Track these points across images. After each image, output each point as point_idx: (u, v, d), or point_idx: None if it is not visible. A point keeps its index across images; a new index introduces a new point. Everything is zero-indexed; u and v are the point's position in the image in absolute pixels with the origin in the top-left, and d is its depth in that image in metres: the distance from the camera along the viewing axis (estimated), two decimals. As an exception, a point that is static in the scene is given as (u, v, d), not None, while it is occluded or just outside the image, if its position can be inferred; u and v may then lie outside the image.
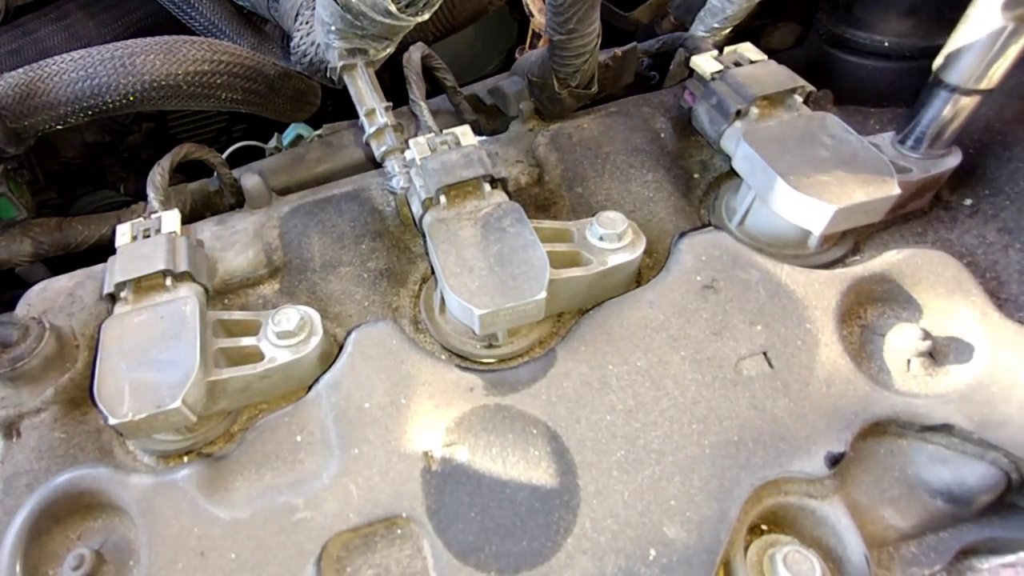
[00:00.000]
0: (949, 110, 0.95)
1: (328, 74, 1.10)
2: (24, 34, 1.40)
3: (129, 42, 1.08)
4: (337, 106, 1.75)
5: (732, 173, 1.08)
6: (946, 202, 1.06)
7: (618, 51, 1.24)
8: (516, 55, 1.65)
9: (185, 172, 1.38)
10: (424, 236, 0.94)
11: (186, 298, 0.90)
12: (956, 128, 0.97)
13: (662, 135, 1.18)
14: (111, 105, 1.08)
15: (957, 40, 0.90)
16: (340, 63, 1.05)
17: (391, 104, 1.08)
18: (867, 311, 0.96)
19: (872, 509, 0.82)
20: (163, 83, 1.08)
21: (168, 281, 0.92)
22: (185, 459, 0.89)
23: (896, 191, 0.88)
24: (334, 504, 0.80)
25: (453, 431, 0.84)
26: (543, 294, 0.82)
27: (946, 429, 0.83)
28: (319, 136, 1.43)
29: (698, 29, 1.28)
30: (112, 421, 0.77)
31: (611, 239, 0.92)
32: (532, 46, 1.59)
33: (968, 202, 1.05)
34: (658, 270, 0.98)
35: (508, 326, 0.88)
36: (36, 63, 1.07)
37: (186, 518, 0.80)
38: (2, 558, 0.79)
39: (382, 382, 0.88)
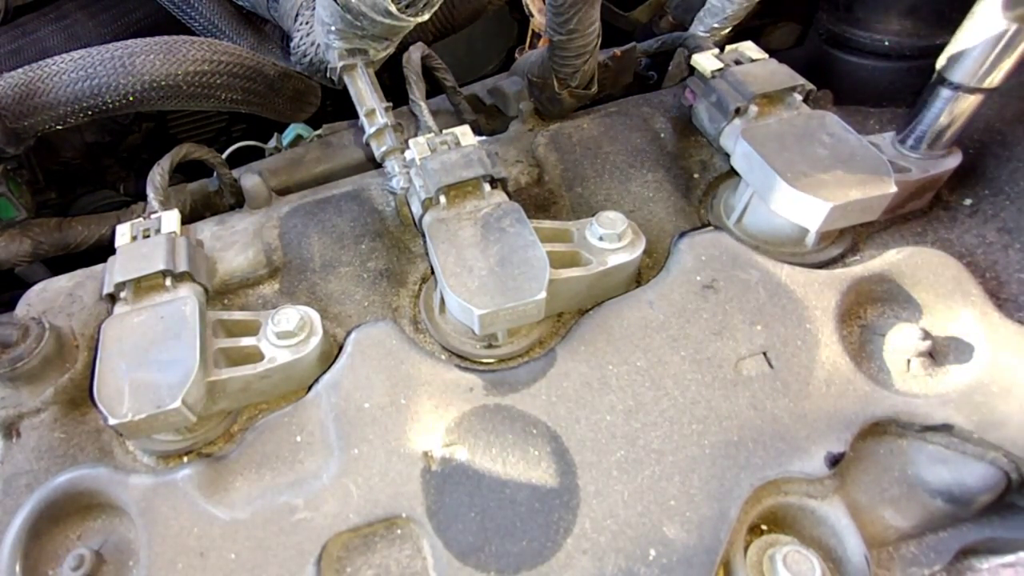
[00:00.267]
0: (952, 109, 0.95)
1: (328, 74, 1.10)
2: (24, 34, 1.40)
3: (129, 42, 1.08)
4: (337, 106, 1.75)
5: (732, 173, 1.08)
6: (946, 202, 1.06)
7: (617, 51, 1.24)
8: (516, 55, 1.66)
9: (185, 172, 1.38)
10: (424, 236, 0.94)
11: (186, 298, 0.90)
12: (958, 127, 0.97)
13: (662, 135, 1.18)
14: (111, 105, 1.08)
15: (961, 38, 0.90)
16: (340, 63, 1.05)
17: (391, 104, 1.08)
18: (867, 311, 0.96)
19: (872, 509, 0.82)
20: (163, 83, 1.07)
21: (168, 281, 0.92)
22: (185, 459, 0.89)
23: (893, 189, 0.88)
24: (334, 504, 0.80)
25: (453, 431, 0.84)
26: (543, 294, 0.82)
27: (946, 429, 0.83)
28: (319, 136, 1.43)
29: (697, 29, 1.28)
30: (112, 421, 0.77)
31: (611, 239, 0.92)
32: (532, 46, 1.59)
33: (968, 202, 1.05)
34: (658, 270, 0.98)
35: (508, 326, 0.88)
36: (36, 63, 1.07)
37: (186, 518, 0.80)
38: (2, 558, 0.79)
39: (382, 382, 0.88)
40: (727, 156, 1.06)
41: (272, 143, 1.51)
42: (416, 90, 1.16)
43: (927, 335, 0.87)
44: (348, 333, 0.93)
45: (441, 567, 0.76)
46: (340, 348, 0.93)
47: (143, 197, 1.14)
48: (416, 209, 0.97)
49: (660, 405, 0.85)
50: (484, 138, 1.23)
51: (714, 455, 0.81)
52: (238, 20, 1.40)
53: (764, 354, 0.88)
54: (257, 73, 1.18)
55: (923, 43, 1.16)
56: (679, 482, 0.80)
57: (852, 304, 0.94)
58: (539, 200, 1.12)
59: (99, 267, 1.06)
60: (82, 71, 1.05)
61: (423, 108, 1.14)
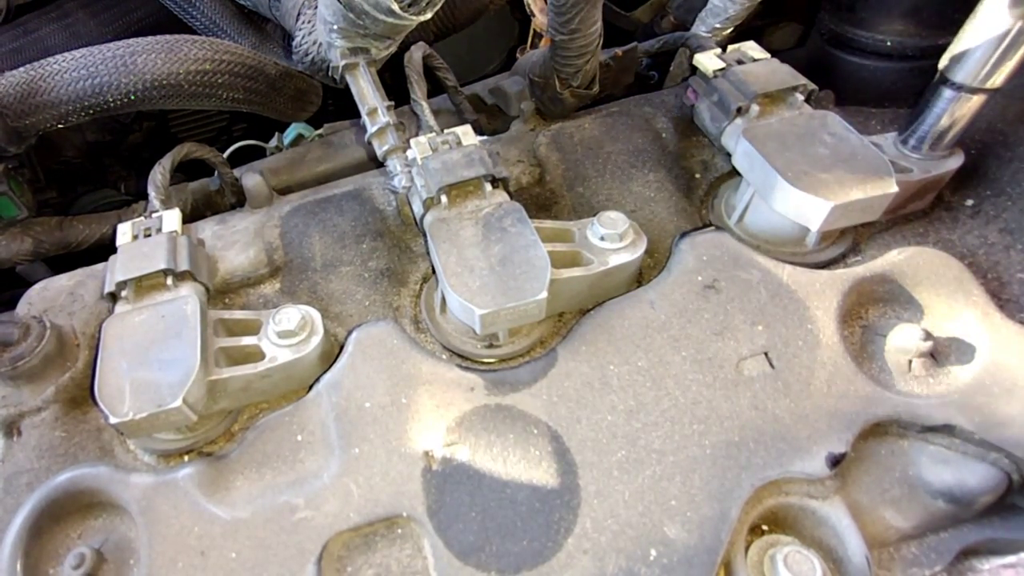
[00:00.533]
0: (954, 109, 0.95)
1: (330, 73, 1.10)
2: (25, 33, 1.40)
3: (130, 41, 1.08)
4: (338, 105, 1.75)
5: (733, 173, 1.08)
6: (948, 202, 1.06)
7: (619, 51, 1.24)
8: (517, 55, 1.66)
9: (186, 171, 1.38)
10: (425, 236, 0.94)
11: (187, 297, 0.90)
12: (960, 128, 0.97)
13: (663, 135, 1.18)
14: (112, 104, 1.07)
15: (964, 38, 0.90)
16: (342, 62, 1.05)
17: (393, 103, 1.08)
18: (868, 311, 0.96)
19: (873, 509, 0.82)
20: (164, 82, 1.07)
21: (169, 280, 0.92)
22: (186, 458, 0.89)
23: (894, 189, 0.88)
24: (335, 503, 0.80)
25: (454, 431, 0.84)
26: (544, 294, 0.82)
27: (947, 430, 0.83)
28: (320, 135, 1.43)
29: (699, 29, 1.28)
30: (113, 420, 0.77)
31: (612, 239, 0.92)
32: (533, 46, 1.59)
33: (970, 203, 1.05)
34: (659, 270, 0.98)
35: (509, 326, 0.88)
36: (37, 62, 1.07)
37: (186, 517, 0.80)
38: (3, 557, 0.79)
39: (383, 382, 0.88)
40: (728, 156, 1.06)
41: (273, 142, 1.51)
42: (418, 89, 1.16)
43: (928, 336, 0.87)
44: (349, 332, 0.93)
45: (442, 567, 0.76)
46: (341, 347, 0.93)
47: (144, 196, 1.14)
48: (417, 208, 0.97)
49: (661, 405, 0.85)
50: (485, 138, 1.23)
51: (715, 455, 0.81)
52: (240, 19, 1.40)
53: (765, 354, 0.88)
54: (259, 72, 1.18)
55: (925, 43, 1.16)
56: (680, 482, 0.80)
57: (853, 304, 0.94)
58: (540, 200, 1.12)
59: (100, 266, 1.06)
60: (83, 70, 1.05)
61: (424, 107, 1.14)
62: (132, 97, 1.07)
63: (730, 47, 1.14)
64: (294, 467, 0.84)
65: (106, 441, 0.91)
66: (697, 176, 1.15)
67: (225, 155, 1.29)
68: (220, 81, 1.12)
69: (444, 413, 0.85)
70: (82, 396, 0.95)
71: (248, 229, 1.09)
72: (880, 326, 0.94)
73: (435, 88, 1.26)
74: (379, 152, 1.06)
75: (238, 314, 0.94)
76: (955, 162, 1.00)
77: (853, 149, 0.94)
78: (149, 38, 1.09)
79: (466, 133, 1.02)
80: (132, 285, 0.92)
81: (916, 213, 1.05)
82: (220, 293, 1.03)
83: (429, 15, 0.94)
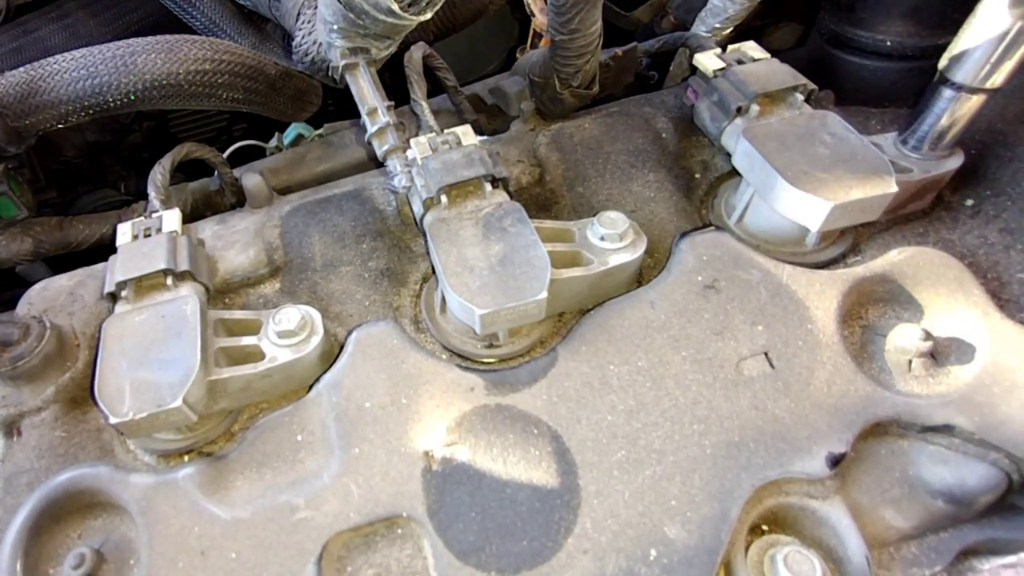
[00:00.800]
0: (953, 109, 0.95)
1: (330, 73, 1.10)
2: (25, 33, 1.40)
3: (130, 41, 1.08)
4: (338, 105, 1.75)
5: (733, 173, 1.08)
6: (948, 202, 1.06)
7: (619, 51, 1.24)
8: (517, 55, 1.66)
9: (186, 171, 1.38)
10: (425, 236, 0.94)
11: (187, 297, 0.90)
12: (960, 128, 0.97)
13: (663, 135, 1.18)
14: (112, 104, 1.07)
15: (964, 38, 0.90)
16: (342, 62, 1.05)
17: (393, 103, 1.08)
18: (868, 311, 0.96)
19: (873, 510, 0.82)
20: (164, 82, 1.07)
21: (169, 280, 0.92)
22: (186, 458, 0.88)
23: (894, 189, 0.88)
24: (335, 503, 0.80)
25: (454, 431, 0.84)
26: (544, 294, 0.82)
27: (947, 430, 0.83)
28: (320, 135, 1.43)
29: (699, 29, 1.28)
30: (113, 420, 0.77)
31: (612, 239, 0.92)
32: (533, 46, 1.59)
33: (970, 203, 1.05)
34: (659, 270, 0.98)
35: (509, 326, 0.88)
36: (37, 62, 1.07)
37: (187, 517, 0.80)
38: (3, 557, 0.79)
39: (383, 382, 0.88)
40: (728, 156, 1.06)
41: (273, 142, 1.51)
42: (417, 89, 1.16)
43: (928, 336, 0.87)
44: (349, 332, 0.93)
45: (442, 566, 0.76)
46: (341, 347, 0.93)
47: (144, 196, 1.14)
48: (417, 208, 0.97)
49: (661, 405, 0.85)
50: (485, 138, 1.23)
51: (715, 455, 0.81)
52: (239, 19, 1.40)
53: (765, 354, 0.88)
54: (258, 72, 1.18)
55: (925, 43, 1.16)
56: (680, 482, 0.80)
57: (853, 304, 0.94)
58: (540, 200, 1.12)
59: (100, 266, 1.06)
60: (83, 70, 1.05)
61: (424, 107, 1.14)
62: (132, 97, 1.07)
63: (730, 47, 1.14)
64: (294, 467, 0.84)
65: (106, 441, 0.91)
66: (697, 176, 1.15)
67: (225, 155, 1.29)
68: (220, 81, 1.12)
69: (444, 413, 0.85)
70: (82, 396, 0.95)
71: (248, 229, 1.09)
72: (880, 326, 0.94)
73: (435, 88, 1.26)
74: (379, 152, 1.06)
75: (238, 314, 0.94)
76: (955, 162, 1.00)
77: (853, 149, 0.94)
78: (149, 38, 1.09)
79: (466, 133, 1.02)
80: (132, 285, 0.92)
81: (916, 213, 1.05)
82: (220, 293, 1.03)
83: (429, 15, 0.94)
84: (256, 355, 0.88)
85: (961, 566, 0.84)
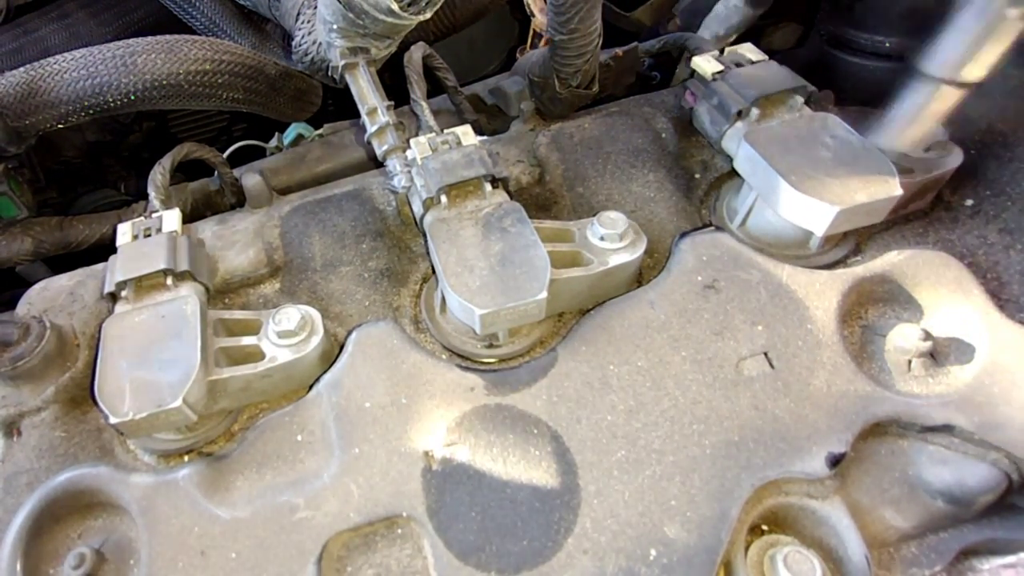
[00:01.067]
0: (928, 102, 0.93)
1: (330, 73, 1.10)
2: (25, 33, 1.40)
3: (130, 41, 1.08)
4: (338, 105, 1.75)
5: (733, 173, 1.08)
6: (947, 202, 1.06)
7: (619, 51, 1.24)
8: (517, 55, 1.65)
9: (186, 171, 1.37)
10: (425, 236, 0.94)
11: (187, 297, 0.90)
12: (935, 123, 0.96)
13: (663, 135, 1.18)
14: (112, 104, 1.07)
15: (943, 32, 0.88)
16: (342, 62, 1.05)
17: (392, 103, 1.08)
18: (868, 311, 0.96)
19: (873, 509, 0.82)
20: (164, 82, 1.07)
21: (169, 280, 0.92)
22: (186, 458, 0.89)
23: (898, 192, 0.88)
24: (335, 503, 0.80)
25: (454, 431, 0.84)
26: (544, 294, 0.82)
27: (947, 430, 0.83)
28: (320, 135, 1.43)
29: (703, 35, 1.28)
30: (113, 420, 0.77)
31: (612, 239, 0.92)
32: (533, 46, 1.59)
33: (969, 203, 1.05)
34: (659, 270, 0.98)
35: (509, 326, 0.88)
36: (37, 62, 1.07)
37: (187, 517, 0.80)
38: (3, 557, 0.79)
39: (383, 382, 0.88)
40: (729, 157, 1.06)
41: (273, 142, 1.51)
42: (417, 89, 1.16)
43: (928, 336, 0.87)
44: (349, 332, 0.93)
45: (442, 566, 0.76)
46: (341, 347, 0.93)
47: (144, 196, 1.14)
48: (417, 208, 0.97)
49: (661, 405, 0.85)
50: (485, 138, 1.23)
51: (715, 455, 0.81)
52: (239, 19, 1.40)
53: (765, 354, 0.88)
54: (258, 72, 1.18)
55: (924, 44, 1.16)
56: (680, 482, 0.80)
57: (853, 304, 0.94)
58: (540, 200, 1.12)
59: (100, 266, 1.06)
60: (84, 70, 1.05)
61: (424, 108, 1.14)
62: (132, 97, 1.07)
63: (727, 49, 1.14)
64: (294, 467, 0.84)
65: (106, 441, 0.91)
66: (697, 176, 1.15)
67: (225, 155, 1.29)
68: (220, 81, 1.12)
69: (444, 413, 0.85)
70: (82, 396, 0.95)
71: (248, 229, 1.09)
72: (880, 326, 0.94)
73: (435, 88, 1.26)
74: (379, 152, 1.06)
75: (238, 314, 0.94)
76: (954, 161, 1.00)
77: (855, 151, 0.94)
78: (149, 38, 1.09)
79: (466, 133, 1.02)
80: (132, 285, 0.92)
81: (916, 213, 1.05)
82: (220, 293, 1.03)
83: (429, 15, 0.94)
84: (256, 355, 0.88)
85: (961, 566, 0.84)
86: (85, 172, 1.62)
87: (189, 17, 1.37)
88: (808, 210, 0.90)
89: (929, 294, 0.93)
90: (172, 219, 1.00)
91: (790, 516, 0.81)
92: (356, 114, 1.10)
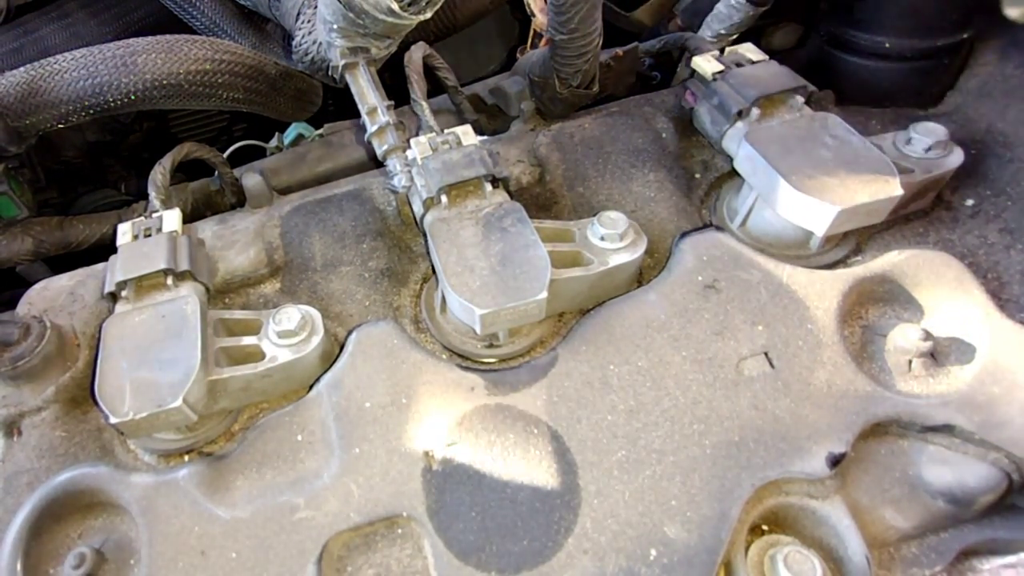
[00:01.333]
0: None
1: (330, 73, 1.10)
2: (25, 33, 1.40)
3: (130, 41, 1.08)
4: (338, 105, 1.75)
5: (733, 173, 1.08)
6: (948, 202, 1.06)
7: (619, 51, 1.24)
8: (517, 55, 1.65)
9: (186, 171, 1.38)
10: (425, 236, 0.94)
11: (187, 297, 0.90)
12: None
13: (663, 135, 1.18)
14: (112, 104, 1.07)
15: None
16: (342, 61, 1.05)
17: (393, 103, 1.08)
18: (868, 311, 0.96)
19: (873, 509, 0.82)
20: (165, 82, 1.07)
21: (169, 280, 0.92)
22: (186, 458, 0.89)
23: (899, 192, 0.88)
24: (335, 503, 0.80)
25: (454, 431, 0.84)
26: (544, 294, 0.82)
27: (947, 430, 0.83)
28: (320, 135, 1.43)
29: (704, 34, 1.28)
30: (113, 420, 0.77)
31: (612, 239, 0.92)
32: (533, 46, 1.59)
33: (970, 203, 1.05)
34: (659, 270, 0.98)
35: (509, 326, 0.88)
36: (37, 62, 1.07)
37: (187, 517, 0.80)
38: (3, 556, 0.79)
39: (383, 381, 0.88)
40: (729, 157, 1.06)
41: (273, 142, 1.51)
42: (417, 89, 1.16)
43: (928, 336, 0.87)
44: (349, 332, 0.93)
45: (442, 566, 0.76)
46: (341, 347, 0.93)
47: (144, 196, 1.14)
48: (417, 208, 0.97)
49: (661, 405, 0.85)
50: (485, 138, 1.23)
51: (715, 455, 0.81)
52: (240, 19, 1.40)
53: (765, 354, 0.88)
54: (259, 72, 1.18)
55: (924, 44, 1.16)
56: (680, 482, 0.80)
57: (854, 304, 0.94)
58: (540, 200, 1.12)
59: (100, 266, 1.06)
60: (84, 70, 1.05)
61: (424, 107, 1.14)
62: (132, 97, 1.07)
63: (727, 49, 1.14)
64: (294, 467, 0.84)
65: (106, 441, 0.91)
66: (697, 176, 1.15)
67: (225, 155, 1.29)
68: (220, 81, 1.12)
69: (444, 413, 0.85)
70: (82, 396, 0.95)
71: (248, 229, 1.09)
72: (880, 326, 0.94)
73: (435, 88, 1.26)
74: (379, 152, 1.06)
75: (238, 314, 0.94)
76: (955, 160, 1.00)
77: (856, 151, 0.94)
78: (149, 38, 1.09)
79: (466, 133, 1.02)
80: (132, 285, 0.92)
81: (916, 213, 1.05)
82: (220, 293, 1.03)
83: (429, 15, 0.94)
84: (256, 355, 0.88)
85: (961, 566, 0.84)
86: (85, 172, 1.62)
87: (189, 17, 1.37)
88: (808, 210, 0.90)
89: (929, 294, 0.93)
90: (172, 219, 1.00)
91: (790, 516, 0.81)
92: (356, 114, 1.10)
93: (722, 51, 1.14)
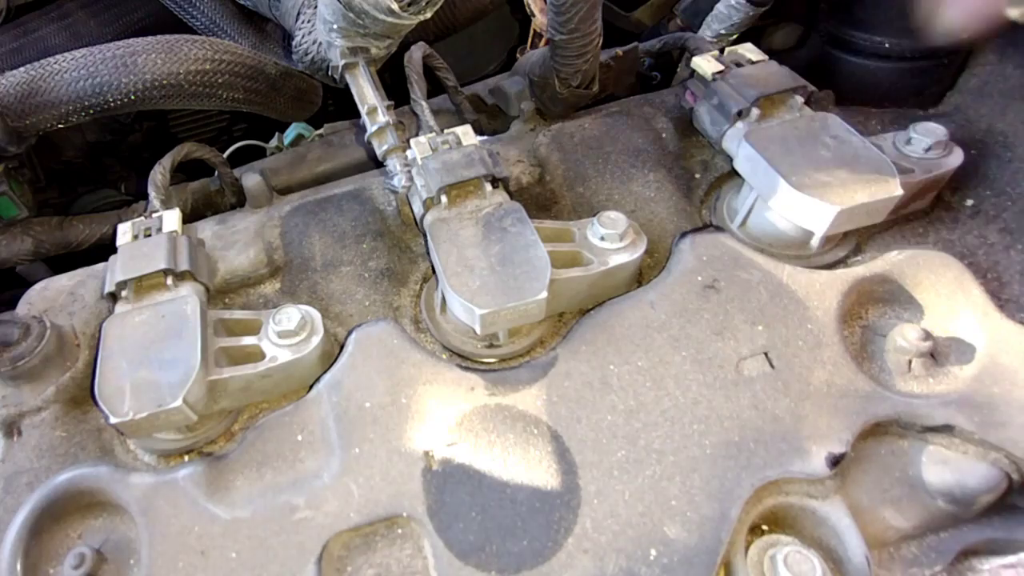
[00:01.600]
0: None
1: (330, 72, 1.10)
2: (25, 33, 1.40)
3: (130, 41, 1.08)
4: (338, 105, 1.75)
5: (733, 173, 1.08)
6: (947, 203, 1.06)
7: (619, 51, 1.24)
8: (517, 55, 1.65)
9: (186, 171, 1.38)
10: (425, 236, 0.94)
11: (187, 297, 0.90)
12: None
13: (663, 135, 1.17)
14: (112, 104, 1.08)
15: None
16: (342, 61, 1.05)
17: (392, 103, 1.08)
18: (868, 311, 0.96)
19: (873, 509, 0.82)
20: (165, 82, 1.07)
21: (169, 280, 0.92)
22: (186, 458, 0.89)
23: (899, 192, 0.88)
24: (335, 503, 0.80)
25: (454, 431, 0.84)
26: (544, 294, 0.82)
27: (947, 430, 0.83)
28: (320, 135, 1.43)
29: (704, 34, 1.28)
30: (113, 420, 0.77)
31: (612, 239, 0.92)
32: (533, 46, 1.59)
33: (969, 203, 1.05)
34: (659, 270, 0.98)
35: (509, 326, 0.88)
36: (37, 62, 1.07)
37: (187, 517, 0.80)
38: (3, 557, 0.79)
39: (383, 381, 0.88)
40: (729, 157, 1.06)
41: (273, 142, 1.51)
42: (417, 89, 1.16)
43: (928, 336, 0.87)
44: (349, 332, 0.93)
45: (442, 566, 0.76)
46: (341, 347, 0.93)
47: (144, 196, 1.14)
48: (417, 208, 0.97)
49: (661, 405, 0.85)
50: (485, 138, 1.23)
51: (715, 455, 0.81)
52: (240, 19, 1.40)
53: (765, 354, 0.88)
54: (259, 72, 1.18)
55: (923, 44, 1.16)
56: (680, 482, 0.80)
57: (853, 304, 0.94)
58: (540, 200, 1.12)
59: (100, 266, 1.06)
60: (84, 70, 1.05)
61: (424, 107, 1.14)
62: (132, 97, 1.07)
63: (727, 49, 1.14)
64: (294, 467, 0.84)
65: (106, 441, 0.91)
66: (697, 176, 1.15)
67: (225, 155, 1.29)
68: (220, 81, 1.12)
69: (444, 413, 0.85)
70: (82, 396, 0.94)
71: (248, 229, 1.09)
72: (880, 326, 0.94)
73: (435, 88, 1.26)
74: (379, 152, 1.06)
75: (238, 314, 0.94)
76: (955, 160, 1.00)
77: (856, 151, 0.94)
78: (149, 38, 1.09)
79: (466, 133, 1.02)
80: (132, 285, 0.92)
81: (916, 213, 1.05)
82: (220, 293, 1.03)
83: (429, 15, 0.94)
84: (256, 355, 0.88)
85: (961, 566, 0.84)
86: (85, 172, 1.62)
87: (189, 17, 1.37)
88: (808, 210, 0.90)
89: (929, 294, 0.93)
90: (172, 219, 1.00)
91: (790, 516, 0.81)
92: (356, 114, 1.10)
93: (722, 51, 1.13)
